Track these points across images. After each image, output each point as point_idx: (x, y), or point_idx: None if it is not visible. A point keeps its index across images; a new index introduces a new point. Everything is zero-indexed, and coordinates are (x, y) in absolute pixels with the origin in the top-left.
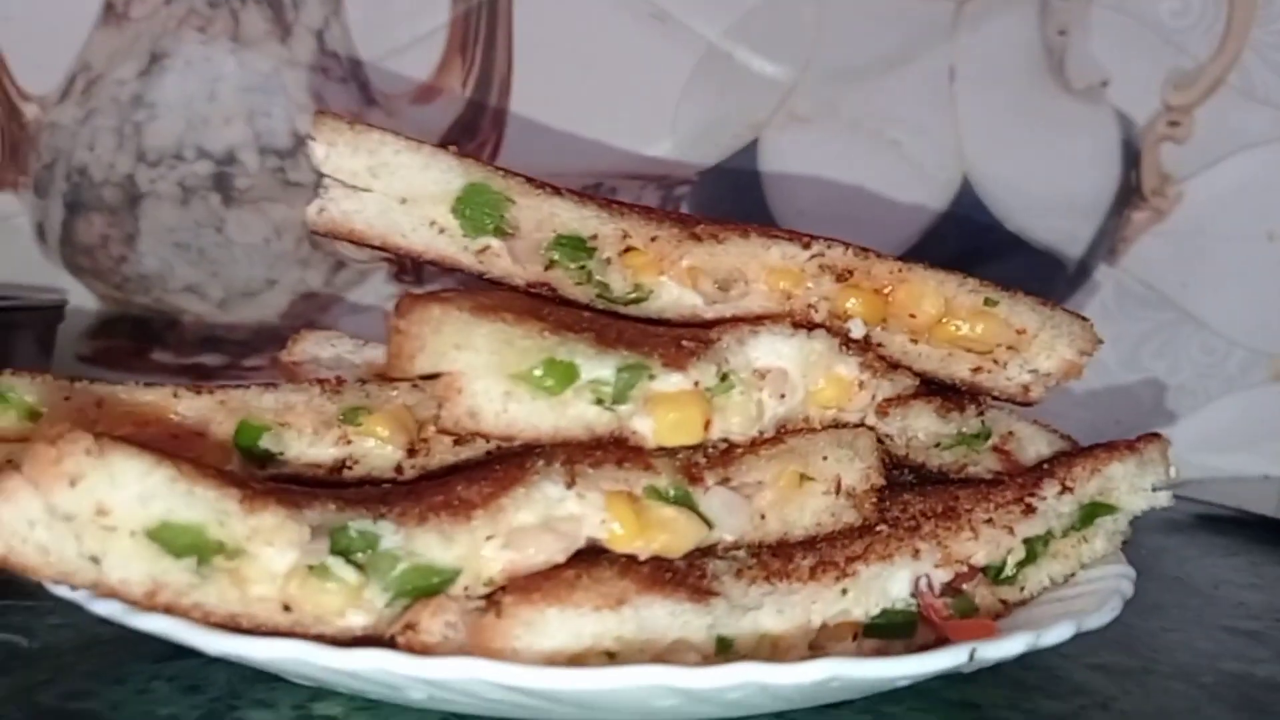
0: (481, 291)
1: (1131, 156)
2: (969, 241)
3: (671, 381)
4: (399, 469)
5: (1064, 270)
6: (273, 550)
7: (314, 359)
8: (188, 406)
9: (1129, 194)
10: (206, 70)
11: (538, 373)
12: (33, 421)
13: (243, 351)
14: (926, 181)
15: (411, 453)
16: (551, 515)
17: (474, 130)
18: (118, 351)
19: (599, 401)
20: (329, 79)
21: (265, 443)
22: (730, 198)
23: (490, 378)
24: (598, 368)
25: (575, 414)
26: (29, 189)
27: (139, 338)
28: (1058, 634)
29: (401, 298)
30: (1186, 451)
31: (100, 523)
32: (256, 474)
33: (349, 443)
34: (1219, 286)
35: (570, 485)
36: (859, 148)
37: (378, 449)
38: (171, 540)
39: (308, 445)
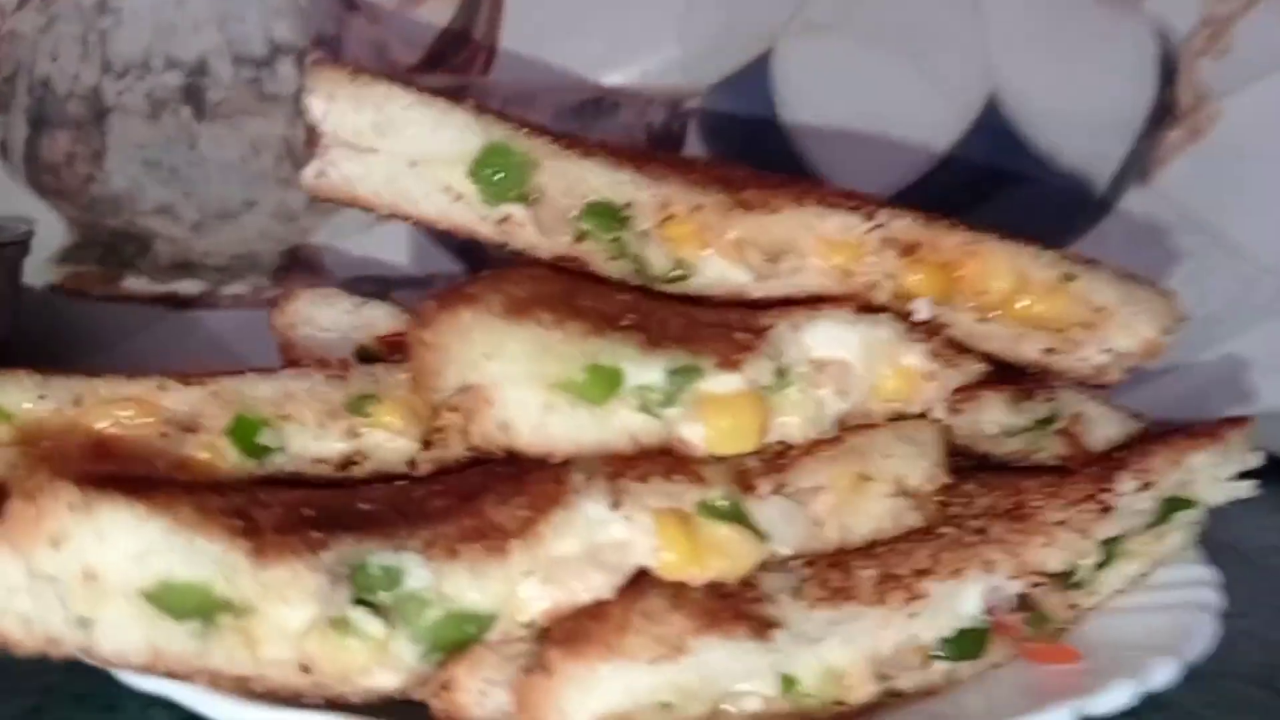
0: (511, 276)
1: (1168, 71)
2: (993, 162)
3: (725, 383)
4: (413, 463)
5: (1092, 195)
6: (288, 607)
7: (309, 321)
8: (176, 399)
9: (1164, 112)
10: None
11: (580, 380)
12: (5, 423)
13: (221, 278)
14: (949, 98)
15: (427, 445)
16: (595, 542)
17: (465, 39)
18: (88, 278)
19: (645, 408)
20: None
21: (264, 438)
22: (741, 116)
23: (526, 388)
24: (645, 371)
25: (620, 424)
26: None
27: (110, 263)
28: (1162, 675)
29: (425, 304)
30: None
31: (90, 586)
32: (255, 474)
33: (357, 436)
34: (1255, 211)
35: (616, 505)
36: (878, 60)
37: (389, 442)
38: (172, 602)
39: (311, 439)
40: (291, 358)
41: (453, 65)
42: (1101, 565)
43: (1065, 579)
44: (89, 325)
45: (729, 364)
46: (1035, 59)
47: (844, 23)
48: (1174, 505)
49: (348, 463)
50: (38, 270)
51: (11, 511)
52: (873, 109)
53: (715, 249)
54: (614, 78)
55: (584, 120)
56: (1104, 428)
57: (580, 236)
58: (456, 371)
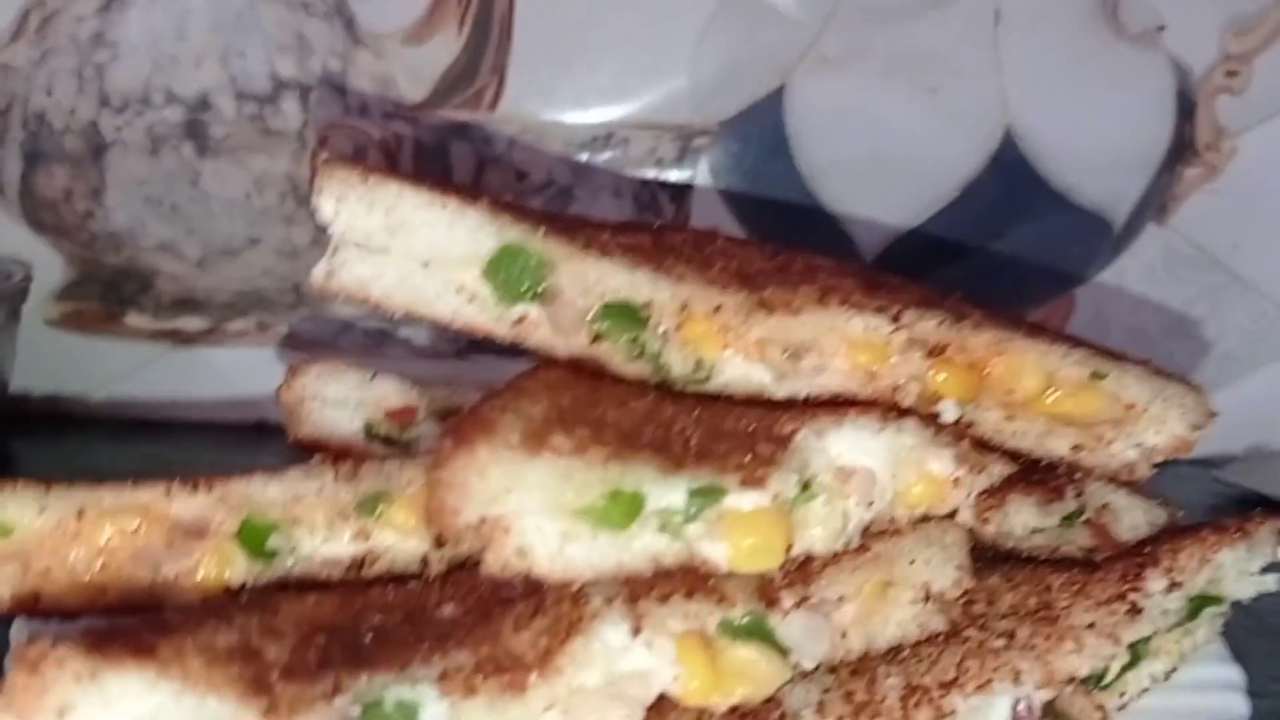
0: (527, 389)
1: (1186, 108)
2: (1010, 198)
3: (748, 499)
4: (425, 561)
5: (1109, 230)
6: None
7: (316, 395)
8: (183, 506)
9: (1181, 148)
10: (173, 5)
11: (600, 507)
12: (4, 538)
13: (225, 315)
14: (966, 132)
15: (439, 543)
16: (616, 671)
17: (472, 75)
18: (89, 315)
19: (665, 529)
20: (311, 15)
21: (273, 543)
22: (753, 151)
23: (545, 517)
24: (667, 494)
25: (641, 547)
26: None
27: (111, 300)
28: None
29: (441, 442)
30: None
31: None
32: (263, 577)
33: (368, 537)
34: (1272, 248)
35: (636, 631)
36: (894, 95)
37: (400, 542)
38: None
39: (321, 542)
40: (298, 433)
41: (460, 100)
42: (1129, 666)
43: (1093, 682)
44: (92, 362)
45: (753, 481)
46: (1052, 94)
47: (858, 57)
48: (1203, 602)
49: (359, 564)
50: (37, 307)
51: (14, 684)
52: (887, 144)
53: (736, 349)
54: (622, 109)
55: (593, 153)
56: (1131, 516)
57: (597, 337)
58: (474, 509)
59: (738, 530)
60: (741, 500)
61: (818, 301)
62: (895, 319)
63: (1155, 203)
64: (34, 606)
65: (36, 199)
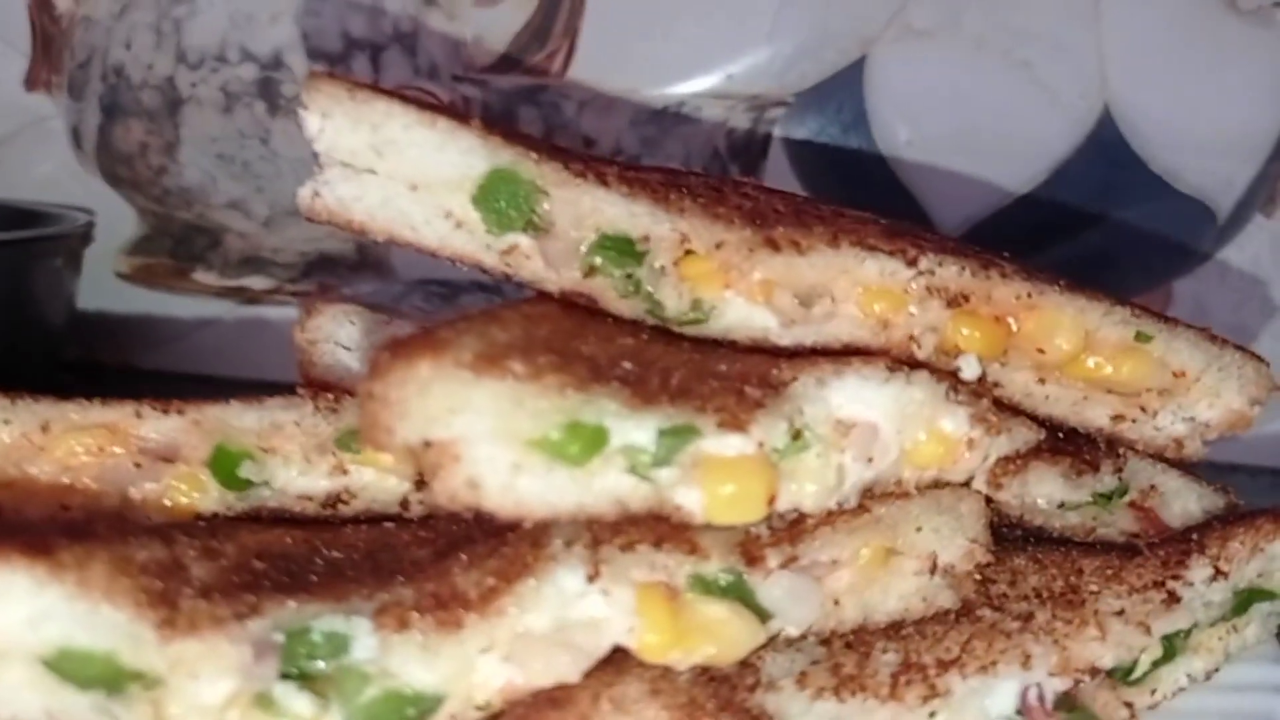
0: (493, 315)
1: None
2: (1107, 181)
3: (728, 444)
4: (405, 504)
5: (1214, 219)
6: (200, 682)
7: (330, 337)
8: (154, 428)
9: None
10: None
11: (556, 438)
12: None
13: (289, 275)
14: (1060, 110)
15: (420, 485)
16: (567, 618)
17: (544, 38)
18: (158, 270)
19: (634, 470)
20: None
21: (246, 471)
22: (830, 124)
23: (496, 445)
24: (633, 430)
25: (603, 487)
26: (63, 90)
27: (180, 256)
28: None
29: (378, 353)
30: None
31: None
32: (236, 509)
33: (345, 473)
34: None
35: (593, 577)
36: (984, 69)
37: (379, 481)
38: (73, 670)
39: (296, 475)
40: (310, 374)
41: (530, 65)
42: (1163, 660)
43: (1121, 674)
44: (157, 317)
45: (733, 423)
46: (1156, 71)
47: (948, 28)
48: (1252, 596)
49: (335, 501)
50: (108, 260)
51: None
52: (976, 120)
53: (738, 290)
54: (699, 81)
55: (662, 127)
56: (1183, 502)
57: (590, 271)
58: (412, 426)
59: (714, 477)
60: (721, 445)
61: (829, 242)
62: (913, 263)
63: (1264, 192)
64: None
65: (113, 153)
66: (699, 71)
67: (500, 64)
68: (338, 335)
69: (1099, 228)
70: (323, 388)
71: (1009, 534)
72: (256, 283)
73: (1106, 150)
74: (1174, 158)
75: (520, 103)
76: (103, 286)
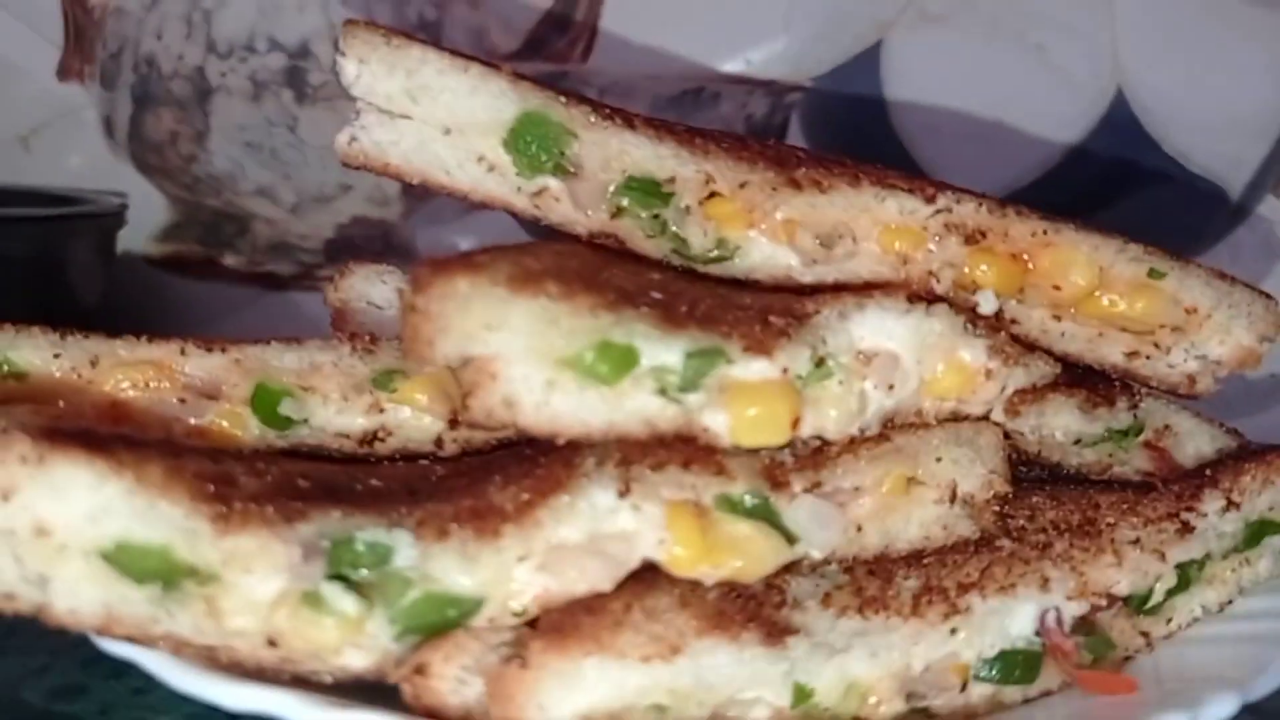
0: (525, 248)
1: None
2: (1119, 163)
3: (753, 369)
4: (439, 442)
5: (1226, 200)
6: (253, 578)
7: (363, 296)
8: (197, 365)
9: None
10: None
11: (588, 358)
12: (18, 381)
13: (316, 260)
14: (1074, 92)
15: (454, 423)
16: (599, 531)
17: (565, 26)
18: (188, 256)
19: (663, 391)
20: None
21: (285, 409)
22: (847, 109)
23: (530, 363)
24: (662, 352)
25: (633, 407)
26: (95, 80)
27: (209, 242)
28: (1217, 711)
29: (418, 266)
30: None
31: (43, 542)
32: (276, 445)
33: (382, 411)
34: None
35: (624, 493)
36: (998, 52)
37: (414, 419)
38: (130, 564)
39: (335, 413)
40: (343, 331)
41: (552, 51)
42: (1177, 590)
43: (1137, 603)
44: (187, 302)
45: (758, 348)
46: (1168, 53)
47: (963, 12)
48: (1264, 529)
49: (371, 438)
50: (138, 246)
51: None
52: (991, 103)
53: (761, 230)
54: (718, 66)
55: (683, 110)
56: (1196, 442)
57: (618, 212)
58: (452, 342)
59: (740, 400)
60: (746, 369)
61: (850, 182)
62: (931, 200)
63: (1275, 172)
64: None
65: (144, 141)
66: (717, 57)
67: (523, 51)
68: (370, 294)
69: (1113, 207)
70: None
71: (1027, 473)
72: (283, 268)
73: (1120, 131)
74: (1186, 139)
75: None
76: (134, 272)
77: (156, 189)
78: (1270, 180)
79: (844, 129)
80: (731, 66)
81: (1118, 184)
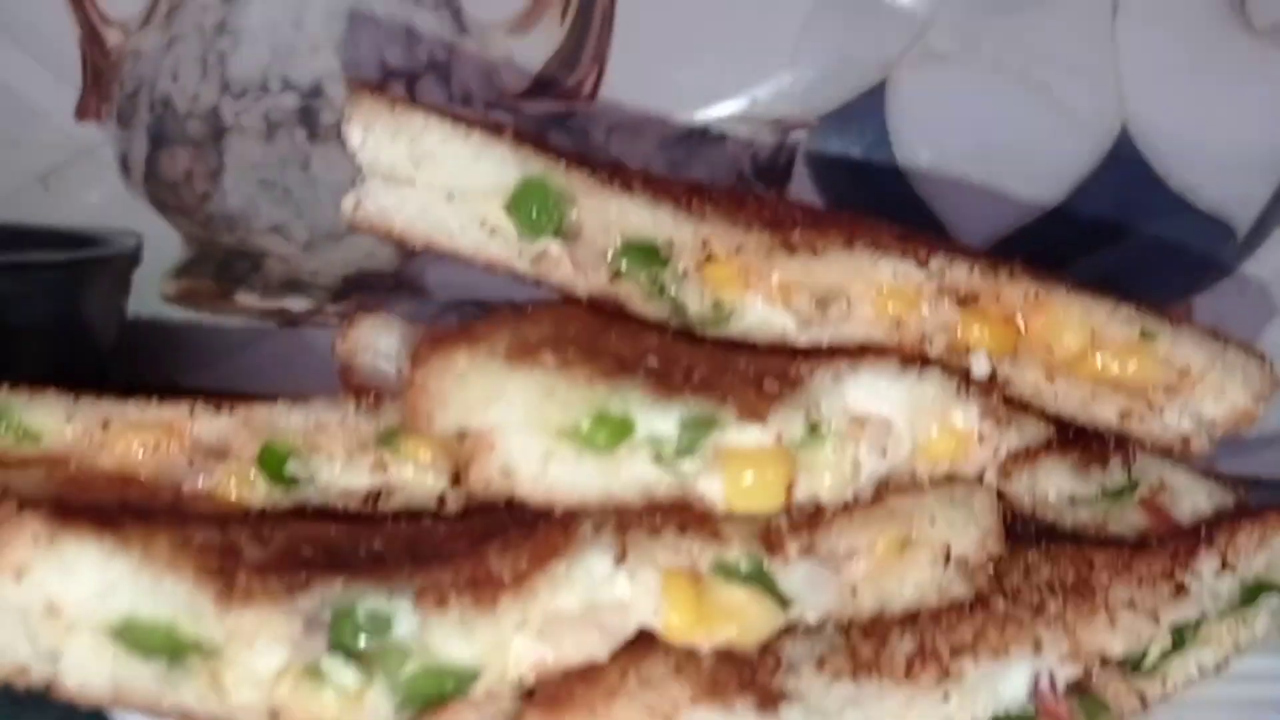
0: (525, 314)
1: None
2: (1125, 199)
3: (747, 435)
4: (442, 500)
5: (1233, 235)
6: (255, 652)
7: (369, 347)
8: (206, 426)
9: None
10: None
11: (585, 428)
12: (33, 443)
13: (328, 297)
14: (1079, 130)
15: (456, 481)
16: (596, 599)
17: (573, 65)
18: (202, 292)
19: (659, 459)
20: (420, 5)
21: (291, 468)
22: (853, 146)
23: (527, 434)
24: (657, 420)
25: (630, 475)
26: (113, 119)
27: (223, 279)
28: None
29: (419, 343)
30: None
31: (54, 619)
32: (282, 504)
33: (385, 470)
34: None
35: (621, 560)
36: (1003, 90)
37: (418, 477)
38: (137, 639)
39: (339, 472)
40: (351, 384)
41: (561, 90)
42: (1173, 651)
43: (1132, 665)
44: (200, 339)
45: (752, 415)
46: (1173, 90)
47: (967, 51)
48: (1260, 589)
49: (375, 497)
50: (154, 283)
51: None
52: (996, 142)
53: (757, 292)
54: (723, 105)
55: (689, 149)
56: (1193, 499)
57: (617, 275)
58: (451, 416)
59: (735, 466)
60: (741, 435)
61: (844, 245)
62: (924, 264)
63: None
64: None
65: (159, 180)
66: (724, 95)
67: (531, 90)
68: (377, 346)
69: (1119, 245)
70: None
71: (1022, 530)
72: (296, 304)
73: (1125, 168)
74: (1192, 175)
75: (551, 127)
76: (149, 309)
77: (171, 226)
78: (1277, 216)
79: (849, 167)
80: (737, 104)
81: (1123, 221)
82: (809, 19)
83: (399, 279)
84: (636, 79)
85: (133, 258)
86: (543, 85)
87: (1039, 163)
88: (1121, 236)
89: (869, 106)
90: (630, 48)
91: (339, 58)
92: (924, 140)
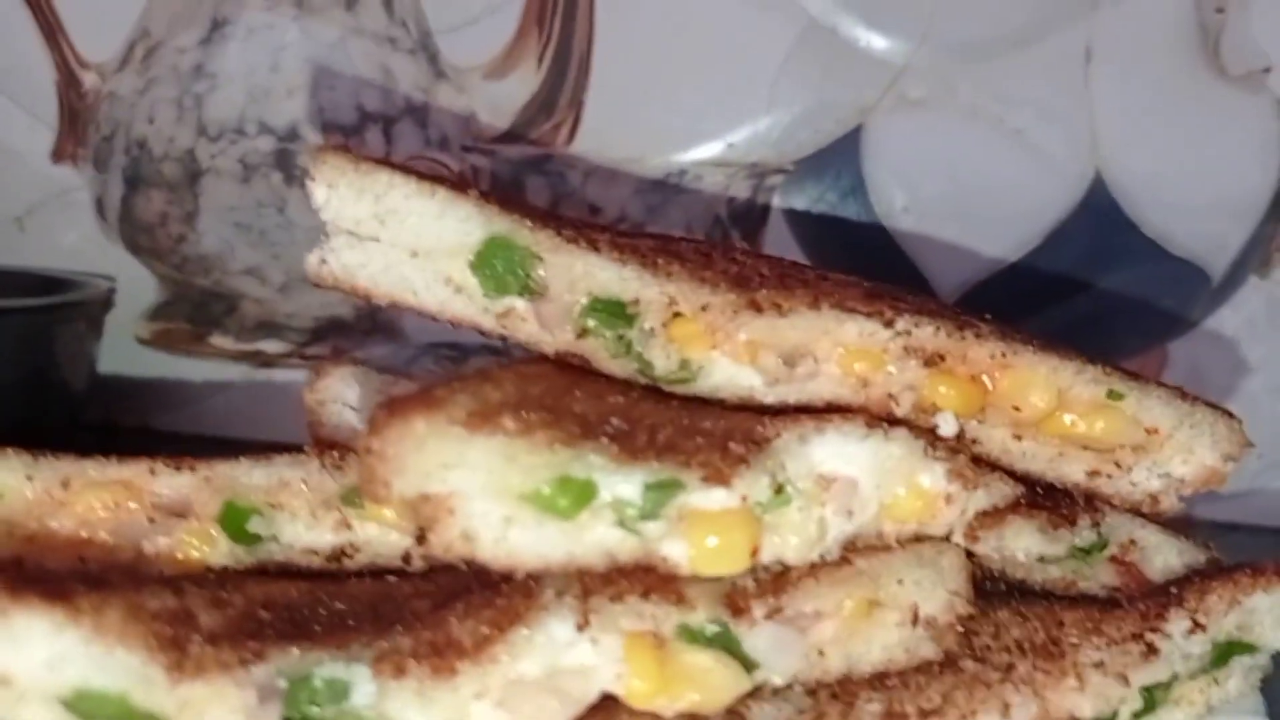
0: (488, 375)
1: None
2: (1100, 246)
3: (712, 498)
4: (407, 558)
5: (1208, 282)
6: None
7: (339, 398)
8: (167, 484)
9: None
10: (269, 39)
11: (546, 492)
12: None
13: (304, 339)
14: (1054, 176)
15: (420, 540)
16: (557, 665)
17: (550, 109)
18: (177, 335)
19: (622, 523)
20: (397, 49)
21: (254, 526)
22: (829, 191)
23: (488, 499)
24: (620, 484)
25: (592, 539)
26: (89, 162)
27: (198, 321)
28: None
29: (376, 411)
30: None
31: (5, 689)
32: (245, 563)
33: (349, 528)
34: None
35: (583, 626)
36: (978, 136)
37: (382, 536)
38: (89, 710)
39: (303, 530)
40: (318, 435)
41: (537, 136)
42: (1144, 713)
43: None
44: (175, 381)
45: (716, 478)
46: (1147, 137)
47: (942, 97)
48: (1231, 649)
49: (339, 555)
50: (128, 325)
51: None
52: (971, 186)
53: (724, 351)
54: (700, 150)
55: (665, 194)
56: (1164, 556)
57: (583, 333)
58: (409, 481)
59: (700, 530)
60: (705, 499)
61: (809, 305)
62: (889, 324)
63: (1258, 254)
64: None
65: (135, 222)
66: (700, 140)
67: (508, 135)
68: (345, 396)
69: (1093, 291)
70: (330, 447)
71: (992, 588)
72: (271, 346)
73: (1099, 215)
74: (1167, 221)
75: (528, 172)
76: (123, 351)
77: (146, 268)
78: (1252, 262)
79: (825, 214)
80: (714, 149)
81: (1098, 266)
82: (785, 64)
83: (375, 322)
84: (613, 125)
85: (105, 302)
86: (519, 131)
87: (1014, 208)
88: (1096, 282)
89: (844, 152)
90: (607, 94)
91: (316, 101)
92: (899, 186)
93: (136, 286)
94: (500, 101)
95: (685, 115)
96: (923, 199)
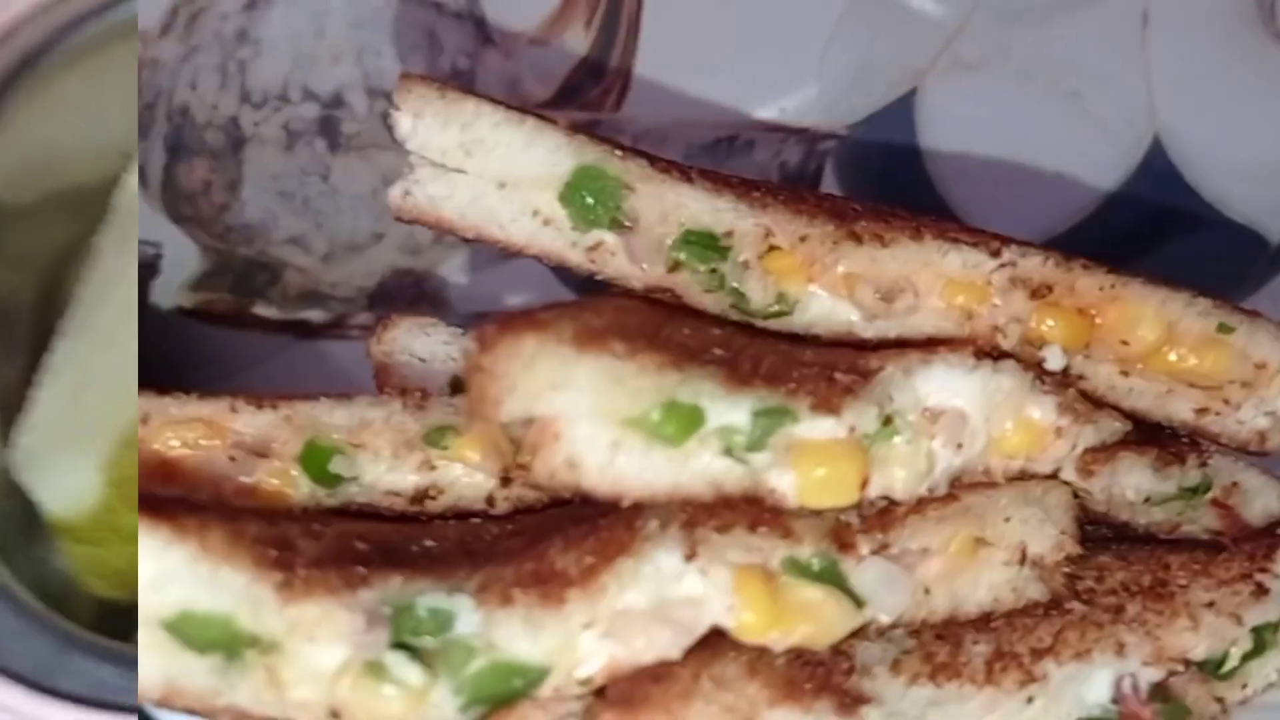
0: (586, 305)
1: None
2: (1157, 210)
3: (820, 428)
4: (491, 500)
5: (1266, 247)
6: (316, 647)
7: (406, 349)
8: (247, 422)
9: None
10: (314, 4)
11: (654, 417)
12: None
13: (347, 309)
14: (1110, 140)
15: (506, 481)
16: (666, 596)
17: (598, 75)
18: (220, 305)
19: (729, 452)
20: (443, 14)
21: (336, 466)
22: (882, 157)
23: (595, 423)
24: (729, 412)
25: (699, 468)
26: None
27: (241, 291)
28: None
29: (483, 326)
30: None
31: None
32: (326, 503)
33: (433, 469)
34: None
35: (691, 557)
36: (1033, 99)
37: (467, 477)
38: (193, 633)
39: (385, 470)
40: (386, 385)
41: (586, 100)
42: (1253, 654)
43: (1211, 668)
44: (218, 351)
45: (826, 407)
46: (1205, 99)
47: (997, 60)
48: None
49: (422, 496)
50: (171, 294)
51: None
52: (1026, 151)
53: (821, 284)
54: (752, 114)
55: (716, 158)
56: (1264, 500)
57: (675, 266)
58: (518, 402)
59: (808, 460)
60: (813, 428)
61: (911, 235)
62: (996, 254)
63: None
64: None
65: (177, 191)
66: (751, 105)
67: (556, 99)
68: (414, 348)
69: (1151, 255)
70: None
71: (1093, 532)
72: (315, 316)
73: (1157, 178)
74: (1225, 185)
75: None
76: (166, 321)
77: (189, 238)
78: None
79: (878, 177)
80: (765, 114)
81: (1155, 231)
82: (837, 28)
83: (420, 289)
84: (662, 89)
85: (150, 267)
86: (568, 94)
87: (1070, 171)
88: (1153, 246)
89: (898, 116)
90: (656, 57)
91: (361, 68)
92: (954, 150)
93: (179, 257)
94: (547, 67)
95: (735, 80)
96: (978, 163)
